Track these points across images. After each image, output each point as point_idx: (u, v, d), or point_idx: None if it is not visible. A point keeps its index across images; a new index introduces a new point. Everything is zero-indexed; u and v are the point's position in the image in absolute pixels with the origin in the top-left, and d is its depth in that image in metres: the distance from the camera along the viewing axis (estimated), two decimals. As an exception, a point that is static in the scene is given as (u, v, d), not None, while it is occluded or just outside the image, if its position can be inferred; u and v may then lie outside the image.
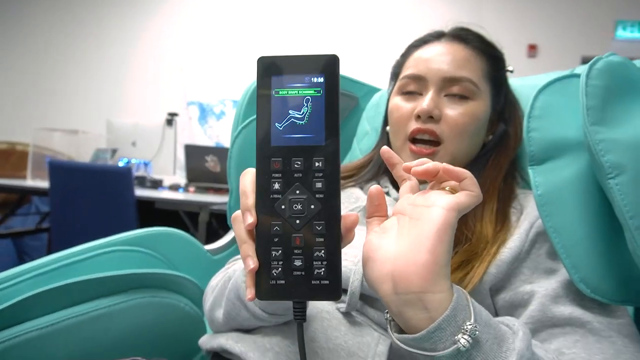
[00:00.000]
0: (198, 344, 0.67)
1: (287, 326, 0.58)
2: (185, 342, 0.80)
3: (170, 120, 3.03)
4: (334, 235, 0.40)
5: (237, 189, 0.95)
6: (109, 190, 2.28)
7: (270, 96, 0.41)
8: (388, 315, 0.45)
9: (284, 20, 4.47)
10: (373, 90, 1.07)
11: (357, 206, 0.71)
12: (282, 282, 0.40)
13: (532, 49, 4.11)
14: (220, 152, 2.85)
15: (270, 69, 0.41)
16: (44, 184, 2.53)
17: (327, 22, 4.41)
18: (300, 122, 0.40)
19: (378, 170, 0.79)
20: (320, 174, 0.40)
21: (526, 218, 0.63)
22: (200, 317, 0.82)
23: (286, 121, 0.41)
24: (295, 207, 0.40)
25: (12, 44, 4.88)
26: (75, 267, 0.76)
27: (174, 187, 2.86)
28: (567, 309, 0.54)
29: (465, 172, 0.44)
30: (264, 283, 0.40)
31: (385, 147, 0.49)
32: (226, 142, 4.45)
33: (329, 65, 0.41)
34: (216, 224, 2.40)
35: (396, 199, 0.70)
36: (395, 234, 0.43)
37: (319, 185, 0.40)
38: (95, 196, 2.28)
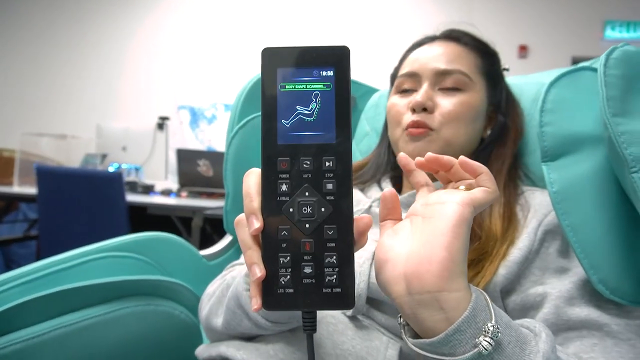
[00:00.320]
0: (195, 354, 0.64)
1: (290, 332, 0.57)
2: (181, 351, 0.78)
3: (162, 124, 3.00)
4: (347, 239, 0.37)
5: (234, 192, 0.94)
6: (100, 196, 2.24)
7: (276, 91, 0.38)
8: (402, 320, 0.42)
9: (275, 22, 4.47)
10: (371, 90, 1.06)
11: (358, 209, 0.69)
12: (291, 290, 0.37)
13: (523, 50, 4.15)
14: (212, 156, 2.83)
15: (276, 61, 0.38)
16: (31, 190, 2.49)
17: (321, 24, 4.42)
18: (309, 118, 0.38)
19: (377, 171, 0.78)
20: (331, 175, 0.37)
21: (534, 216, 0.61)
22: (197, 325, 0.80)
23: (293, 118, 0.38)
24: (305, 210, 0.37)
25: (-1, 49, 4.83)
26: (65, 274, 0.74)
27: (166, 192, 2.83)
28: (583, 311, 0.52)
29: (482, 167, 0.43)
30: (271, 292, 0.37)
31: (402, 154, 0.47)
32: (218, 146, 4.42)
33: (339, 57, 0.38)
34: (210, 229, 2.37)
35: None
36: (408, 234, 0.41)
37: (329, 186, 0.37)
38: (85, 202, 2.25)
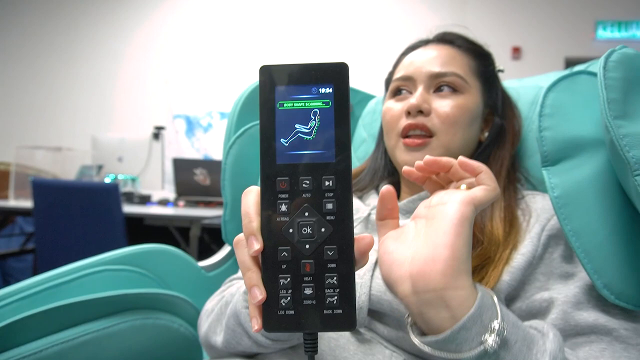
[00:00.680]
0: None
1: (291, 349, 0.56)
2: (181, 365, 0.76)
3: (157, 134, 3.00)
4: (347, 260, 0.36)
5: (232, 202, 0.93)
6: (96, 208, 2.23)
7: (274, 109, 0.37)
8: (409, 320, 0.43)
9: (270, 30, 4.48)
10: (367, 97, 1.06)
11: (357, 217, 0.68)
12: (292, 312, 0.36)
13: (516, 52, 4.17)
14: (209, 165, 2.82)
15: (273, 79, 0.38)
16: (27, 203, 2.48)
17: (317, 30, 4.43)
18: (308, 137, 0.37)
19: (374, 176, 0.78)
20: (331, 194, 0.37)
21: (537, 221, 0.61)
22: (196, 338, 0.79)
23: (292, 136, 0.37)
24: (305, 230, 0.36)
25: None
26: (63, 289, 0.73)
27: (163, 202, 2.82)
28: (591, 316, 0.52)
29: (481, 166, 0.43)
30: (272, 314, 0.36)
31: (406, 168, 0.48)
32: (214, 155, 4.42)
33: (338, 74, 0.37)
34: (208, 238, 2.36)
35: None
36: (413, 236, 0.42)
37: (329, 206, 0.37)
38: (81, 215, 2.24)
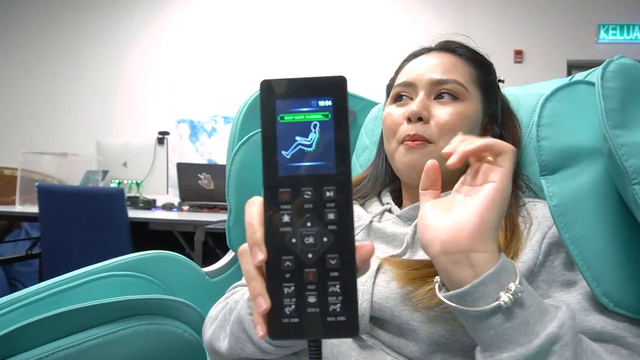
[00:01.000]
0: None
1: (295, 355, 0.57)
2: (186, 371, 0.77)
3: (162, 139, 3.01)
4: (349, 268, 0.37)
5: (237, 209, 0.94)
6: (101, 213, 2.24)
7: (275, 122, 0.38)
8: (439, 280, 0.48)
9: (274, 35, 4.49)
10: (370, 104, 1.07)
11: (359, 225, 0.69)
12: (296, 320, 0.37)
13: (519, 55, 4.18)
14: (213, 169, 2.83)
15: (274, 92, 0.39)
16: (33, 209, 2.48)
17: (320, 37, 4.43)
18: (308, 149, 0.38)
19: (375, 182, 0.78)
20: (332, 204, 0.38)
21: (538, 229, 0.61)
22: (201, 343, 0.79)
23: (293, 149, 0.38)
24: (307, 240, 0.37)
25: (-2, 67, 4.86)
26: (69, 295, 0.74)
27: (168, 207, 2.83)
28: (599, 323, 0.52)
29: (485, 145, 0.47)
30: (276, 322, 0.37)
31: (446, 149, 0.50)
32: (219, 159, 4.43)
33: (336, 87, 0.38)
34: (212, 243, 2.36)
35: (398, 216, 0.70)
36: (450, 207, 0.48)
37: (331, 216, 0.38)
38: (87, 220, 2.24)
